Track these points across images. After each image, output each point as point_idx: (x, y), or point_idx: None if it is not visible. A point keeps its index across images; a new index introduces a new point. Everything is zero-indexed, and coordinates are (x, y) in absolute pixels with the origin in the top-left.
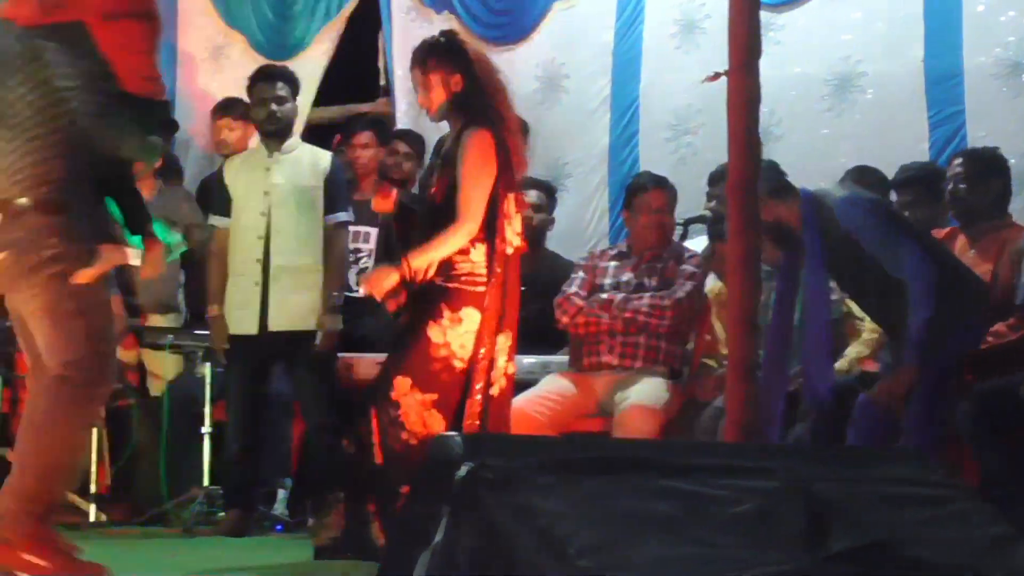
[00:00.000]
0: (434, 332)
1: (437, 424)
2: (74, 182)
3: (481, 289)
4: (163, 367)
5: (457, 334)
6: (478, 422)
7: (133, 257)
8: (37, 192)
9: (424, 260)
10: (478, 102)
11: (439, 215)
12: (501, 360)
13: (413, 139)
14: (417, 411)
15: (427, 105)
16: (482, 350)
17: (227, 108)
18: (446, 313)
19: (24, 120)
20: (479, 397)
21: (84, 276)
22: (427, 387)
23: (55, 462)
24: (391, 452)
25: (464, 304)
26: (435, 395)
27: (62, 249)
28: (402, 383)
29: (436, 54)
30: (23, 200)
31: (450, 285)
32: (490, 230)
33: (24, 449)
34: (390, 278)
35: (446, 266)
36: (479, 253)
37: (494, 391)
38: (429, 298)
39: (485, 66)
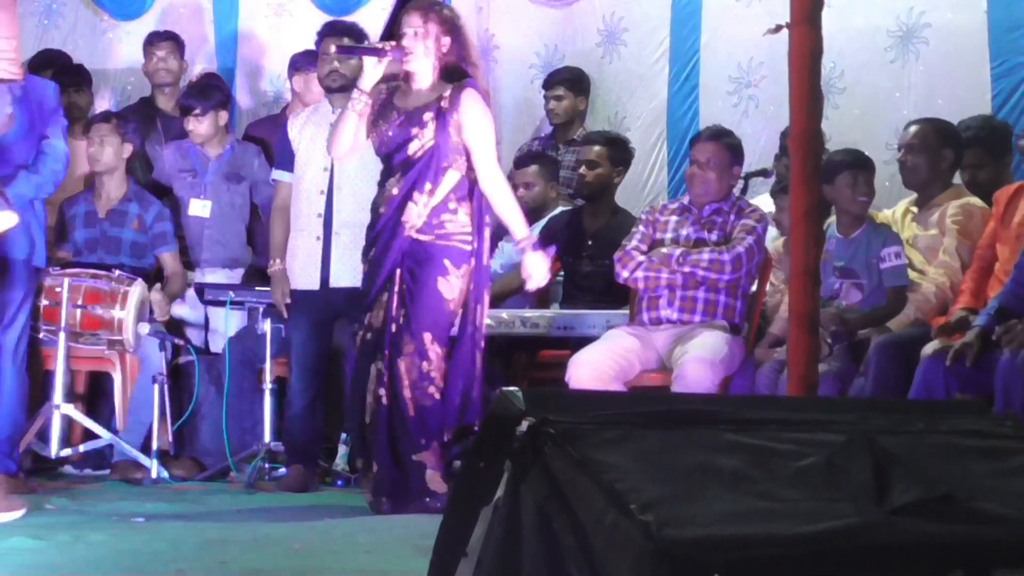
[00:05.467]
0: (444, 287)
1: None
2: None
3: (470, 247)
4: (224, 323)
5: (459, 289)
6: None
7: None
8: None
9: (526, 225)
10: (462, 70)
11: (428, 167)
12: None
13: None
14: (437, 364)
15: (413, 50)
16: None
17: (301, 62)
18: (452, 269)
19: None
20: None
21: None
22: (442, 342)
23: None
24: (422, 406)
25: (463, 261)
26: (445, 348)
27: None
28: (427, 338)
29: (439, 11)
30: None
31: (448, 244)
32: (470, 191)
33: None
34: (544, 261)
35: (435, 226)
36: (463, 213)
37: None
38: (429, 257)
39: (470, 41)
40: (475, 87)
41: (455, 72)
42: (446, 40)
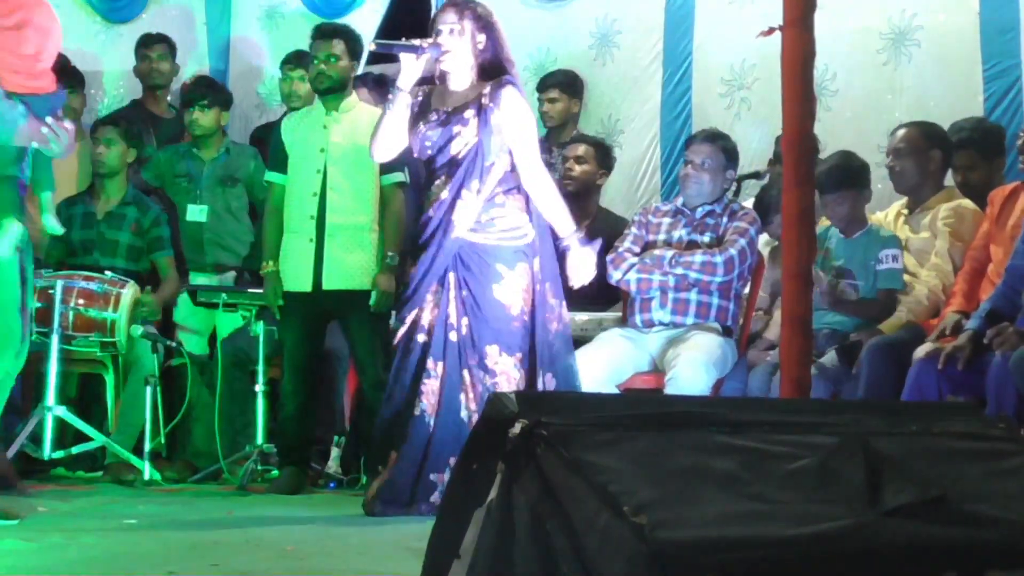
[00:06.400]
0: (502, 294)
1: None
2: None
3: (523, 242)
4: (218, 325)
5: (521, 289)
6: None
7: None
8: None
9: (573, 222)
10: (498, 67)
11: (474, 164)
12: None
13: None
14: (510, 374)
15: (450, 48)
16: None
17: (295, 61)
18: (506, 272)
19: None
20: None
21: None
22: (513, 348)
23: None
24: None
25: (518, 259)
26: (520, 353)
27: None
28: (492, 351)
29: (474, 8)
30: None
31: (500, 243)
32: (517, 185)
33: None
34: (592, 256)
35: (486, 223)
36: (513, 207)
37: None
38: (482, 263)
39: (503, 38)
40: (515, 84)
41: (492, 69)
42: (481, 37)
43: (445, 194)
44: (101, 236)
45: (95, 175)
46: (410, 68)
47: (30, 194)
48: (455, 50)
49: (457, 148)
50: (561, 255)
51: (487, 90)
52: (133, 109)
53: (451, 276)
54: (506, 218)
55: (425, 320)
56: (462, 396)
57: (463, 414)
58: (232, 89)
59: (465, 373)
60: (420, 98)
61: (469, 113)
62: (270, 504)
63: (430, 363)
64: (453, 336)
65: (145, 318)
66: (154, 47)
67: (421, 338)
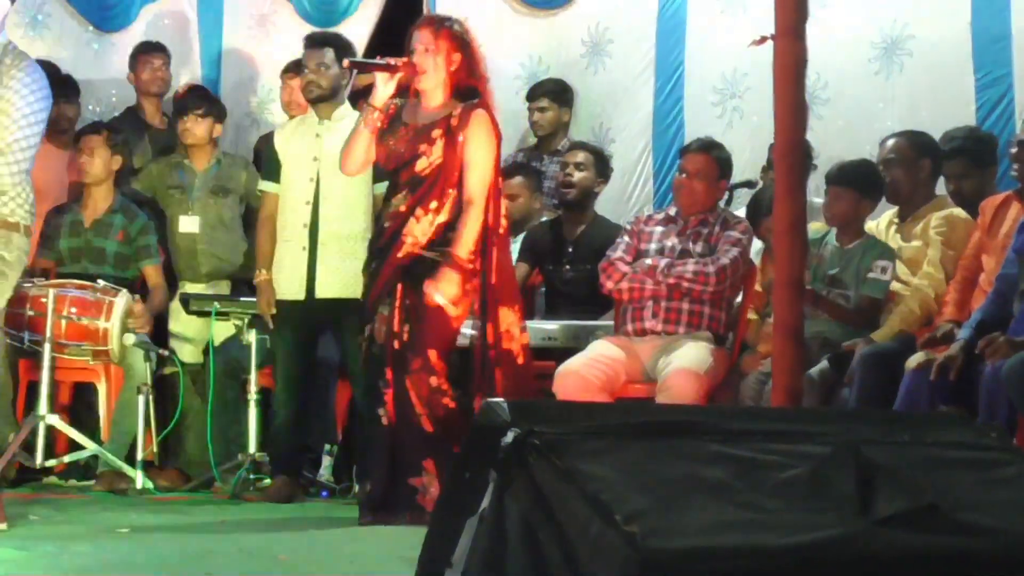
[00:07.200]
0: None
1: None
2: None
3: (472, 265)
4: (210, 333)
5: (466, 305)
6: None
7: None
8: None
9: (466, 249)
10: (471, 86)
11: (435, 185)
12: (515, 331)
13: None
14: (445, 376)
15: (425, 68)
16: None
17: (294, 70)
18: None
19: None
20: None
21: None
22: (446, 356)
23: None
24: (438, 419)
25: (467, 277)
26: (447, 362)
27: None
28: (432, 354)
29: (450, 27)
30: None
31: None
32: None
33: None
34: (456, 281)
35: (440, 243)
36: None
37: (518, 361)
38: (431, 274)
39: (479, 56)
40: (487, 109)
41: (465, 90)
42: (456, 56)
43: (403, 208)
44: (89, 244)
45: (81, 184)
46: (384, 86)
47: None
48: (429, 70)
49: (422, 166)
50: (433, 264)
51: (458, 111)
52: (127, 117)
53: (399, 287)
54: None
55: (380, 335)
56: (414, 399)
57: (415, 417)
58: (224, 99)
59: (408, 380)
60: (392, 110)
61: (436, 133)
62: (263, 513)
63: (387, 372)
64: (397, 343)
65: (135, 331)
66: (155, 55)
67: (375, 350)
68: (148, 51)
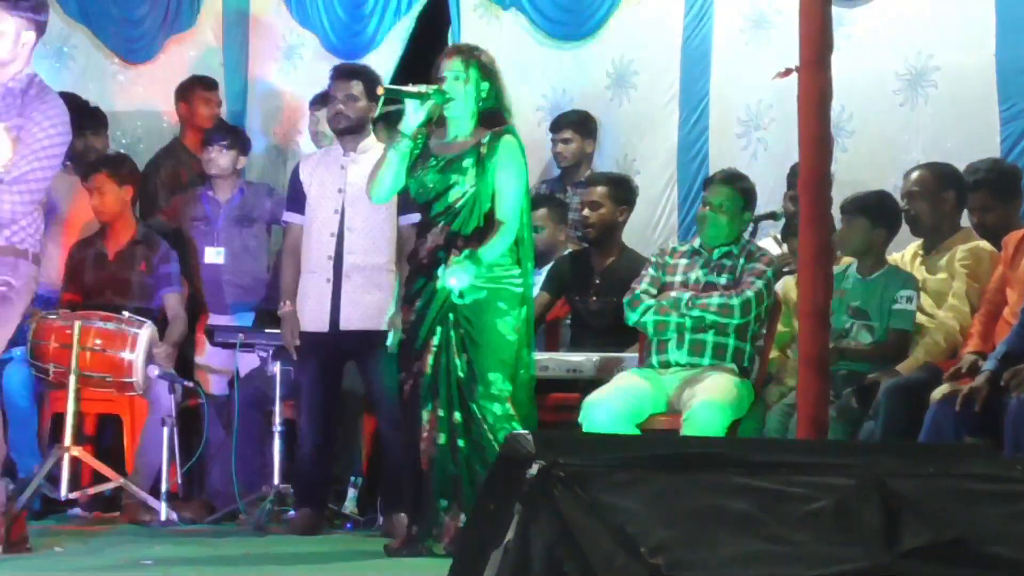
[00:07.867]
0: (504, 327)
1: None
2: None
3: (520, 289)
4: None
5: (519, 327)
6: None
7: None
8: None
9: (492, 254)
10: (498, 115)
11: (472, 214)
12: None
13: None
14: (511, 402)
15: (454, 96)
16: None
17: (322, 102)
18: (507, 309)
19: None
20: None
21: None
22: (512, 379)
23: None
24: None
25: (516, 303)
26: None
27: None
28: (496, 379)
29: (479, 56)
30: None
31: (499, 286)
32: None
33: None
34: (471, 272)
35: (487, 269)
36: (509, 257)
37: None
38: (481, 301)
39: (505, 87)
40: (514, 134)
41: (492, 117)
42: (485, 85)
43: (441, 241)
44: (113, 276)
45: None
46: (414, 114)
47: None
48: (459, 98)
49: (455, 196)
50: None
51: (486, 139)
52: (173, 149)
53: (450, 317)
54: (501, 267)
55: (425, 366)
56: (483, 425)
57: (490, 438)
58: (249, 130)
59: (475, 406)
60: (419, 140)
61: (468, 162)
62: (287, 544)
63: (440, 402)
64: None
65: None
66: (211, 91)
67: (420, 383)
68: (204, 86)
